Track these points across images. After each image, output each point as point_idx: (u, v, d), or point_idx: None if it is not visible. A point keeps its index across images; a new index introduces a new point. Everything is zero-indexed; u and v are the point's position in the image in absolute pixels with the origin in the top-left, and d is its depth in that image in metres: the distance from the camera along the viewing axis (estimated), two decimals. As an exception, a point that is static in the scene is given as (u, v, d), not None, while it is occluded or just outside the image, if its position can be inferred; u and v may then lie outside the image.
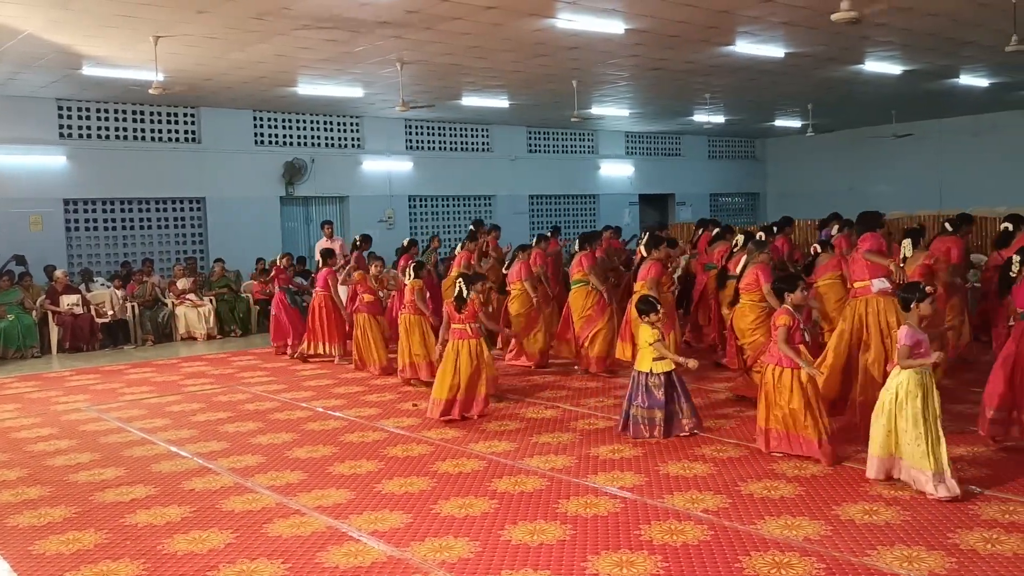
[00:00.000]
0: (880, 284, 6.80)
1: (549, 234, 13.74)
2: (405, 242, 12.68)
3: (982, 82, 15.65)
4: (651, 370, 6.74)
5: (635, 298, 8.66)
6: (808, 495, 5.34)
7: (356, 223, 17.72)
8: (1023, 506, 5.00)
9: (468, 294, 7.80)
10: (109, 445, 7.25)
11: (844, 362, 6.85)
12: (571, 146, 21.69)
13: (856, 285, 7.09)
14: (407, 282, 9.41)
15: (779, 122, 21.17)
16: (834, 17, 8.33)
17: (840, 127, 22.28)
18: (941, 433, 5.16)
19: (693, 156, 24.05)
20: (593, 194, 22.14)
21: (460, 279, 8.00)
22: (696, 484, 5.65)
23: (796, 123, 21.12)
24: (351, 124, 17.94)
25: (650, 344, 6.74)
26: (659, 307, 6.87)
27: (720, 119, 19.73)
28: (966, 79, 15.29)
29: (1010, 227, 9.05)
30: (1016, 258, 6.27)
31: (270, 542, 4.87)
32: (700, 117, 19.27)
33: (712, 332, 10.45)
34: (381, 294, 10.33)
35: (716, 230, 11.44)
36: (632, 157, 22.76)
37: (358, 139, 18.07)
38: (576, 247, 10.30)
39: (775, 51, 12.20)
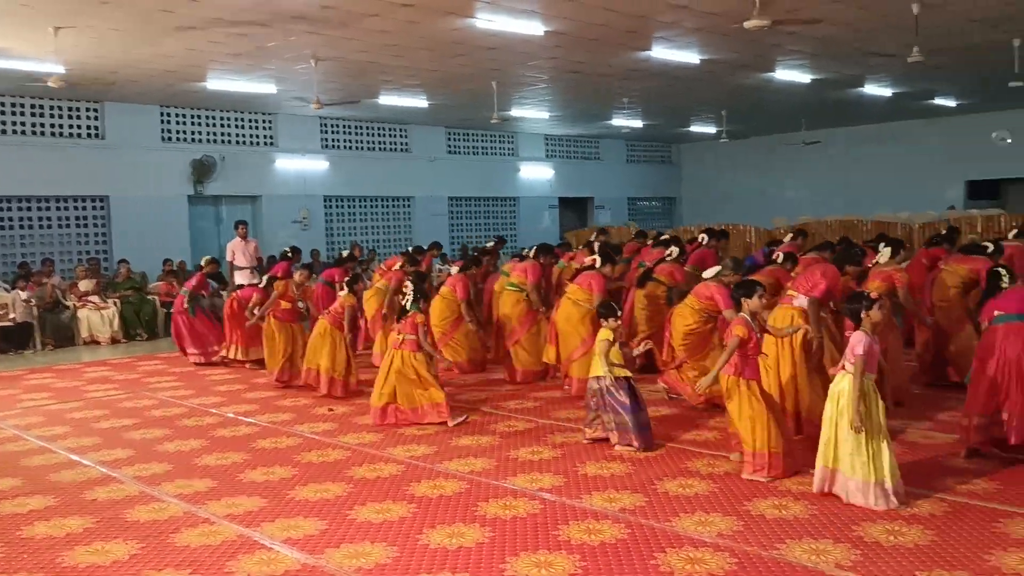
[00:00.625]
0: (802, 301, 6.73)
1: (492, 244, 13.71)
2: (343, 253, 12.46)
3: (886, 91, 16.27)
4: (606, 375, 6.46)
5: (563, 302, 8.66)
6: (721, 492, 5.43)
7: (269, 224, 17.37)
8: (924, 499, 5.17)
9: (411, 307, 7.67)
10: (5, 454, 6.89)
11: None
12: (491, 148, 21.70)
13: (789, 293, 6.92)
14: (340, 295, 9.09)
15: (694, 128, 21.62)
16: (747, 24, 8.52)
17: (753, 133, 22.89)
18: (884, 444, 5.08)
19: (612, 160, 24.35)
20: (513, 196, 22.20)
21: (411, 284, 7.83)
22: (613, 483, 5.69)
23: (711, 129, 21.61)
24: (264, 121, 17.56)
25: (602, 340, 6.47)
26: (619, 313, 6.76)
27: (638, 123, 20.03)
28: (871, 88, 15.88)
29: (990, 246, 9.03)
30: (1004, 272, 6.30)
31: (177, 552, 4.70)
32: (618, 121, 19.54)
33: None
34: (300, 304, 10.04)
35: (664, 236, 11.54)
36: (552, 160, 22.92)
37: (271, 137, 17.70)
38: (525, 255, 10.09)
39: (690, 57, 12.44)
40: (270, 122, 17.63)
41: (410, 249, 12.67)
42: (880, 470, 5.02)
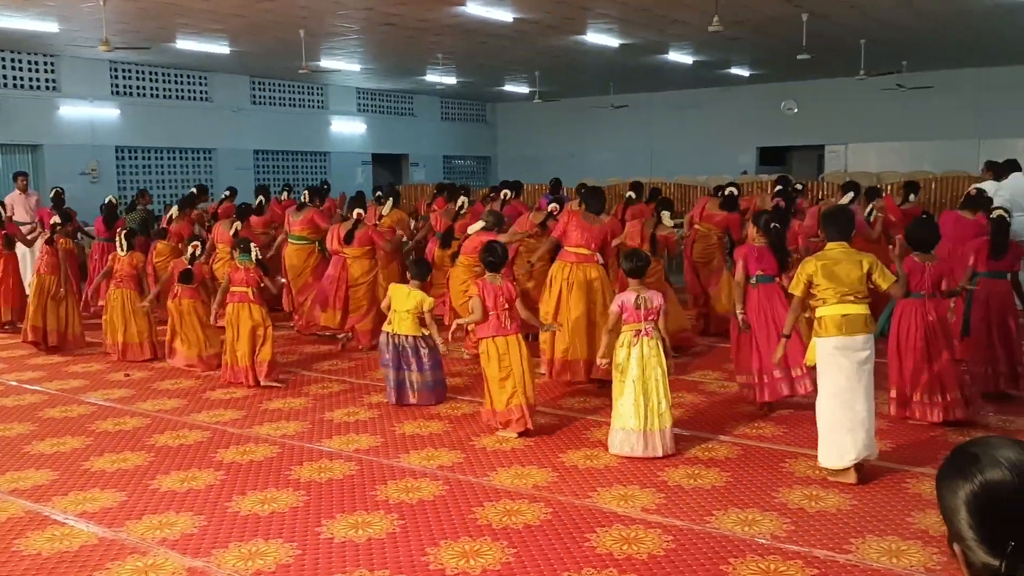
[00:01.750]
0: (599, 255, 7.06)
1: (285, 194, 13.14)
2: (112, 198, 11.56)
3: (687, 59, 17.03)
4: (408, 332, 6.45)
5: (349, 262, 8.52)
6: (536, 445, 5.57)
7: (53, 175, 15.90)
8: (720, 444, 5.54)
9: (243, 258, 7.31)
10: None
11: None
12: (299, 100, 20.88)
13: (578, 251, 6.96)
14: (120, 253, 8.42)
15: (509, 87, 21.77)
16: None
17: (565, 95, 23.33)
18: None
19: (426, 117, 24.12)
20: (324, 151, 21.53)
21: (240, 243, 7.47)
22: (432, 442, 5.70)
23: (524, 89, 21.83)
24: (45, 64, 15.98)
25: (428, 299, 6.46)
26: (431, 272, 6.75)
27: (452, 80, 19.90)
28: (674, 56, 16.57)
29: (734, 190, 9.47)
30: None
31: (-49, 536, 4.27)
32: (433, 77, 19.32)
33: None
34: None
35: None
36: (364, 115, 22.39)
37: (53, 81, 16.16)
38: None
39: (503, 15, 12.44)
40: (52, 64, 16.06)
41: (194, 189, 12.18)
42: (665, 418, 5.25)
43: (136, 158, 17.70)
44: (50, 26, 12.83)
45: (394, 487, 4.85)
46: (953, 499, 1.32)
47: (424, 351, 6.45)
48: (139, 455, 5.50)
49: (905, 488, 4.72)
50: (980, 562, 1.28)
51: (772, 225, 6.09)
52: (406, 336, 6.44)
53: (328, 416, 6.34)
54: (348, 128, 21.87)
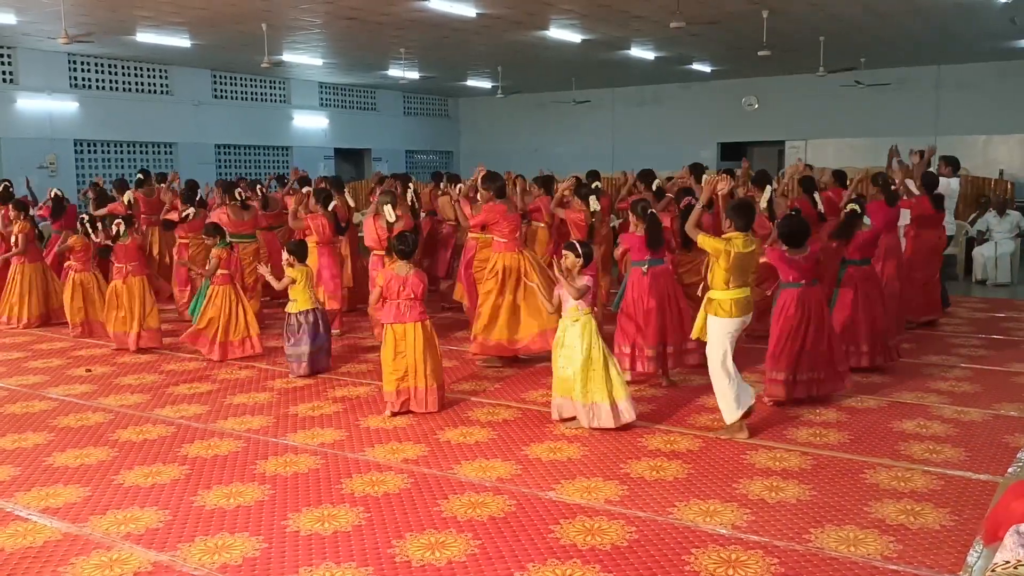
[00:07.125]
0: None
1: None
2: (58, 191, 11.61)
3: (649, 55, 17.16)
4: (296, 310, 7.38)
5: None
6: (500, 438, 5.62)
7: (10, 169, 15.62)
8: (682, 436, 5.64)
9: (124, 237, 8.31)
10: None
11: None
12: (261, 94, 20.69)
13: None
14: None
15: (471, 82, 21.76)
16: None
17: (527, 90, 23.40)
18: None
19: (389, 112, 24.03)
20: (286, 146, 21.37)
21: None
22: (396, 435, 5.73)
23: (487, 84, 21.84)
24: (2, 56, 15.69)
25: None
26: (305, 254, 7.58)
27: (415, 75, 19.85)
28: (636, 51, 16.69)
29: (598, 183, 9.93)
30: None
31: (-90, 534, 4.22)
32: (395, 72, 19.25)
33: None
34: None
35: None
36: (327, 109, 22.25)
37: (11, 73, 15.86)
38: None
39: (467, 10, 12.45)
40: (9, 57, 15.75)
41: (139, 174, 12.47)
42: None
43: (95, 152, 17.43)
44: (8, 18, 12.60)
45: (359, 480, 4.89)
46: None
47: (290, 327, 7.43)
48: (102, 450, 5.47)
49: (862, 479, 4.85)
50: None
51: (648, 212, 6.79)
52: (288, 314, 7.49)
53: (292, 410, 6.34)
54: (311, 122, 21.73)
